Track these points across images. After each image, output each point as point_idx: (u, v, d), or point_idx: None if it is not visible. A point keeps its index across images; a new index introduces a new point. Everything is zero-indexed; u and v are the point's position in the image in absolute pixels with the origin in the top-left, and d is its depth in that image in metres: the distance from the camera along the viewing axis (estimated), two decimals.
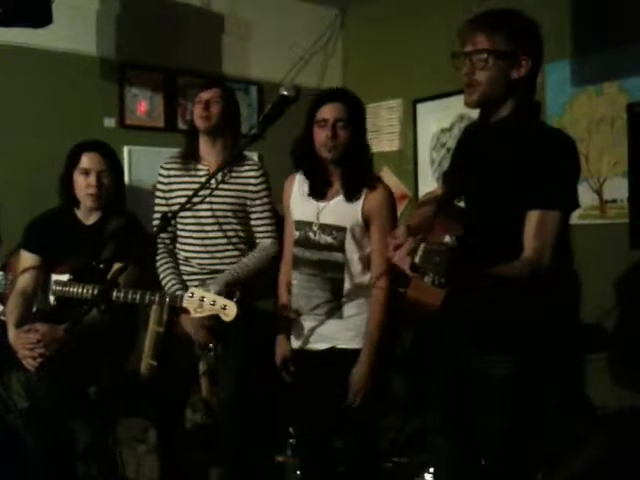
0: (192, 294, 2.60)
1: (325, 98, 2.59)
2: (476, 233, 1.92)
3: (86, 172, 2.90)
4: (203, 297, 2.57)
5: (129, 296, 2.67)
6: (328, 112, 2.56)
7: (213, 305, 2.55)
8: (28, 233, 3.00)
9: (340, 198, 2.62)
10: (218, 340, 2.79)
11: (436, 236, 1.89)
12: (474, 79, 1.97)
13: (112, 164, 2.97)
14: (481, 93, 1.98)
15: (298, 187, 2.75)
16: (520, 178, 1.89)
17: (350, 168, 2.60)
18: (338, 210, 2.61)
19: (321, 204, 2.64)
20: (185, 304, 2.60)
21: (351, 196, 2.60)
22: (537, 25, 1.99)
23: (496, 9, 2.01)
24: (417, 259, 1.67)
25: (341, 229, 2.60)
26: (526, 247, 1.87)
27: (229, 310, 2.54)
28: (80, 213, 2.98)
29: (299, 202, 2.72)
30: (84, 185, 2.90)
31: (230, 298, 2.56)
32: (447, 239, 1.62)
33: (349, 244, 2.60)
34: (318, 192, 2.67)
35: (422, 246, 1.66)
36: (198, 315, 2.59)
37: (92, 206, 2.93)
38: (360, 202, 2.59)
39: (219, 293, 2.63)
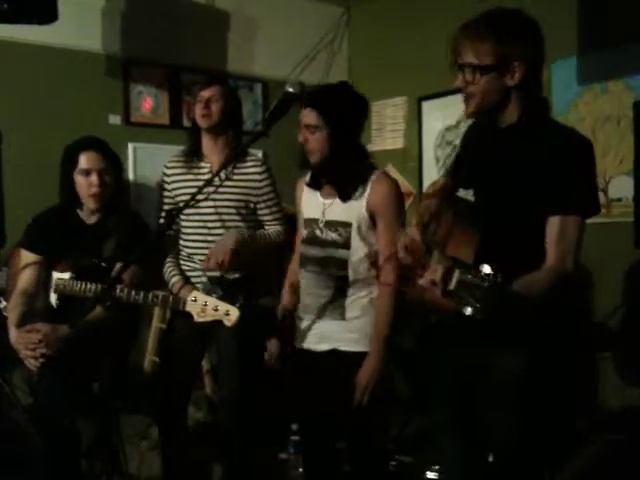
0: (195, 298, 2.59)
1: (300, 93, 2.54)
2: (492, 233, 1.91)
3: (87, 172, 2.83)
4: (206, 302, 2.57)
5: (132, 296, 2.66)
6: (302, 118, 2.55)
7: (216, 310, 2.56)
8: (29, 232, 2.97)
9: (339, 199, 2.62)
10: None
11: (458, 246, 1.88)
12: (467, 92, 1.96)
13: (111, 161, 2.91)
14: (476, 105, 1.96)
15: (306, 183, 2.75)
16: (538, 183, 1.88)
17: (336, 173, 2.58)
18: (343, 206, 2.60)
19: (327, 201, 2.63)
20: (188, 308, 2.60)
21: (345, 197, 2.58)
22: (532, 23, 1.94)
23: (485, 13, 1.95)
24: (452, 287, 1.60)
25: (347, 225, 2.58)
26: (548, 255, 1.86)
27: (232, 315, 2.54)
28: (82, 212, 2.95)
29: (308, 200, 2.72)
30: (86, 185, 2.84)
31: (233, 303, 2.56)
32: (486, 269, 1.57)
33: (355, 241, 2.58)
34: (316, 182, 2.67)
35: (456, 274, 1.59)
36: (201, 320, 2.59)
37: (95, 206, 2.89)
38: (365, 197, 2.57)
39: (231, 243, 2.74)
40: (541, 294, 1.81)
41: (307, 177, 2.73)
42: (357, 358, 2.56)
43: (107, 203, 2.91)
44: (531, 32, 1.93)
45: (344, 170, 2.57)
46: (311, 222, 2.66)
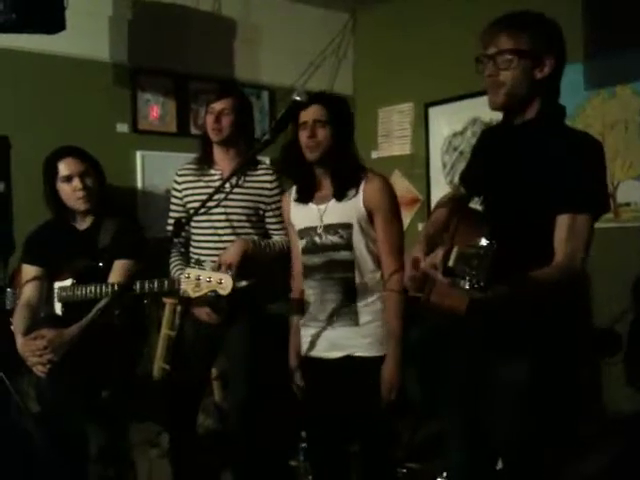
0: (188, 275, 2.61)
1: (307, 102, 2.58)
2: (501, 236, 1.91)
3: (68, 178, 2.86)
4: (199, 276, 2.59)
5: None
6: (307, 114, 2.57)
7: (209, 282, 2.58)
8: (27, 247, 3.00)
9: (335, 200, 2.63)
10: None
11: (463, 241, 1.88)
12: (498, 80, 1.95)
13: (91, 165, 2.93)
14: (506, 94, 1.96)
15: (294, 198, 2.75)
16: (548, 180, 1.88)
17: (336, 168, 2.60)
18: (340, 208, 2.60)
19: (322, 207, 2.64)
20: (183, 286, 2.62)
21: (341, 196, 2.60)
22: (559, 26, 1.98)
23: (516, 11, 1.99)
24: (451, 263, 1.61)
25: (347, 226, 2.59)
26: (557, 252, 1.85)
27: (225, 283, 2.56)
28: (74, 220, 2.97)
29: (299, 211, 2.72)
30: (70, 191, 2.87)
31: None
32: (483, 242, 1.58)
33: (358, 240, 2.58)
34: (305, 196, 2.68)
35: (455, 250, 1.62)
36: (197, 294, 2.61)
37: (84, 209, 2.90)
38: (360, 195, 2.59)
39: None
40: (549, 289, 1.80)
41: (293, 193, 2.75)
42: (372, 363, 2.57)
43: (97, 206, 2.93)
44: (558, 32, 1.98)
45: (345, 167, 2.60)
46: (308, 231, 2.66)
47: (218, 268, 2.73)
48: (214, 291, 2.59)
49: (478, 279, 1.54)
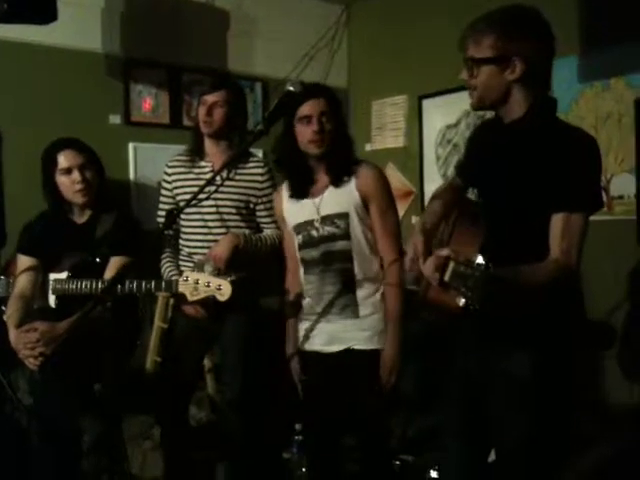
0: (187, 278, 2.61)
1: (304, 95, 2.55)
2: (497, 234, 1.92)
3: (67, 171, 2.85)
4: (198, 279, 2.59)
5: (126, 286, 2.67)
6: (311, 108, 2.54)
7: (208, 287, 2.58)
8: (23, 237, 2.99)
9: (331, 188, 2.61)
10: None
11: (461, 244, 1.88)
12: (470, 84, 2.01)
13: (90, 158, 2.92)
14: (477, 97, 2.01)
15: (287, 194, 2.73)
16: (543, 180, 1.88)
17: (336, 158, 2.60)
18: (334, 198, 2.60)
19: (317, 199, 2.63)
20: (181, 289, 2.62)
21: (339, 181, 2.59)
22: (537, 20, 1.96)
23: (491, 11, 1.99)
24: (447, 278, 1.65)
25: (343, 215, 2.58)
26: (553, 249, 1.87)
27: (224, 289, 2.56)
28: (71, 213, 2.97)
29: (293, 206, 2.71)
30: (69, 183, 2.86)
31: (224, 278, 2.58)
32: (479, 260, 1.59)
33: (355, 228, 2.58)
34: (300, 192, 2.66)
35: (452, 265, 1.64)
36: (195, 298, 2.60)
37: (83, 202, 2.90)
38: (353, 183, 2.58)
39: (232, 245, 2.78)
40: (543, 283, 1.82)
41: (285, 189, 2.73)
42: (371, 356, 2.57)
43: (95, 200, 2.92)
44: (534, 29, 1.95)
45: (340, 155, 2.60)
46: (305, 225, 2.65)
47: (212, 269, 2.72)
48: (212, 296, 2.58)
49: (472, 301, 1.59)
